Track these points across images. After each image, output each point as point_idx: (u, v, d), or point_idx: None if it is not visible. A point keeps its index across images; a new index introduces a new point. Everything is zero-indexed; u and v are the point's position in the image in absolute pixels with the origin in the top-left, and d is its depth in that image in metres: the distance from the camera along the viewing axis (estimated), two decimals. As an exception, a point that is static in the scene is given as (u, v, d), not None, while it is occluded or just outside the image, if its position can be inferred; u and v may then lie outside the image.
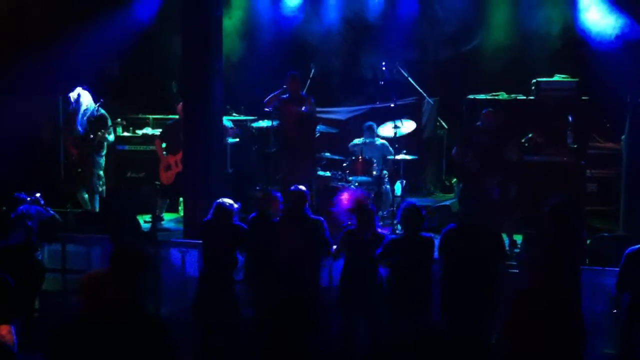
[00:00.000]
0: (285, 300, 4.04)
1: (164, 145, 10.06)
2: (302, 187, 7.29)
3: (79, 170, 9.96)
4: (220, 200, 7.15)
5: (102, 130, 9.86)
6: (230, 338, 7.02)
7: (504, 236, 7.74)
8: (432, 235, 7.09)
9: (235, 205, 7.19)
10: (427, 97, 11.31)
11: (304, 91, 9.92)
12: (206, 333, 7.01)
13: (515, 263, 7.27)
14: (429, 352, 3.78)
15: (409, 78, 10.91)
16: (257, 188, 10.11)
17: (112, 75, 11.82)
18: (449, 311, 6.46)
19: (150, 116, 11.58)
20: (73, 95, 9.94)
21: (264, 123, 10.59)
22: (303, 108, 9.44)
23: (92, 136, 9.86)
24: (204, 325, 7.02)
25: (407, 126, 10.10)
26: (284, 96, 9.57)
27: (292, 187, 7.30)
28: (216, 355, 6.92)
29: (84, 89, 9.99)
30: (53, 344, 4.09)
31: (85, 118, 9.96)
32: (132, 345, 3.90)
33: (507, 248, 7.29)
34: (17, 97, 10.37)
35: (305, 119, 9.40)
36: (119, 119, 10.69)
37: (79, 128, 9.94)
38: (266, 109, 9.80)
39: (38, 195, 7.93)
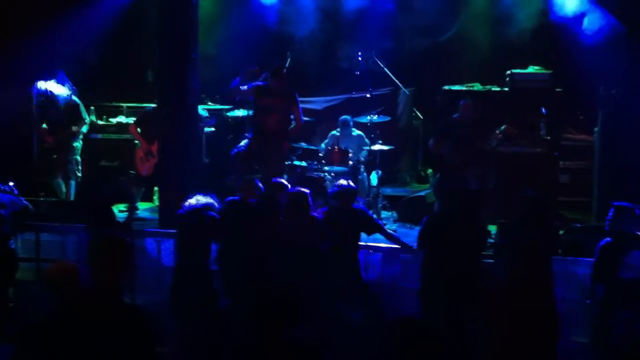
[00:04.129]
0: (271, 294, 4.06)
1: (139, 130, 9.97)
2: (305, 190, 7.14)
3: (54, 156, 9.88)
4: (199, 199, 7.03)
5: (76, 126, 9.82)
6: (209, 329, 6.99)
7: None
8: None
9: (211, 200, 7.09)
10: (402, 88, 11.35)
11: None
12: (184, 324, 6.98)
13: (491, 253, 7.34)
14: (406, 339, 3.80)
15: (385, 68, 10.94)
16: (233, 177, 10.06)
17: (87, 64, 11.70)
18: (429, 300, 6.50)
19: (124, 104, 11.48)
20: (43, 85, 9.85)
21: (240, 112, 10.57)
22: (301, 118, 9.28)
23: (65, 125, 9.79)
24: (181, 316, 6.98)
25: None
26: (263, 83, 9.46)
27: (292, 189, 7.19)
28: (195, 347, 6.89)
29: (58, 78, 9.89)
30: (22, 336, 4.06)
31: (57, 107, 9.87)
32: (112, 337, 3.89)
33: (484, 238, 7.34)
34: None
35: (287, 114, 9.26)
36: (92, 107, 10.60)
37: (53, 116, 9.86)
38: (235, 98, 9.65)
39: (11, 184, 7.86)
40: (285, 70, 9.86)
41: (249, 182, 7.31)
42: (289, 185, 7.26)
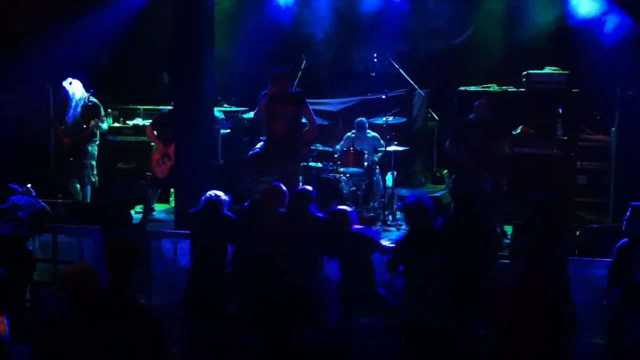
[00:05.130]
0: (277, 297, 4.07)
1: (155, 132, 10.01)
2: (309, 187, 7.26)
3: (71, 159, 9.95)
4: (210, 192, 7.12)
5: (95, 120, 9.85)
6: (221, 330, 7.00)
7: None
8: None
9: (226, 198, 7.14)
10: (418, 89, 11.34)
11: (295, 84, 9.83)
12: (197, 325, 7.00)
13: (506, 253, 7.31)
14: (418, 346, 3.79)
15: (400, 70, 10.93)
16: (248, 180, 10.08)
17: (102, 66, 11.78)
18: (441, 301, 6.46)
19: (141, 107, 11.55)
20: (65, 85, 9.91)
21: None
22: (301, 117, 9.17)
23: (85, 126, 9.85)
24: (194, 317, 7.01)
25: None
26: (266, 91, 9.42)
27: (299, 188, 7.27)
28: (207, 348, 6.91)
29: (74, 79, 9.97)
30: (38, 336, 4.10)
31: (77, 108, 9.93)
32: (124, 338, 3.92)
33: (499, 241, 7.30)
34: (6, 90, 10.33)
35: (295, 118, 9.18)
36: (109, 109, 10.66)
37: (71, 118, 9.92)
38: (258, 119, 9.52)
39: (29, 186, 7.93)
40: (300, 72, 9.82)
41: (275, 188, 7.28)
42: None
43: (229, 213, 7.17)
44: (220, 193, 7.10)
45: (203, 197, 7.09)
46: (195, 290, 7.01)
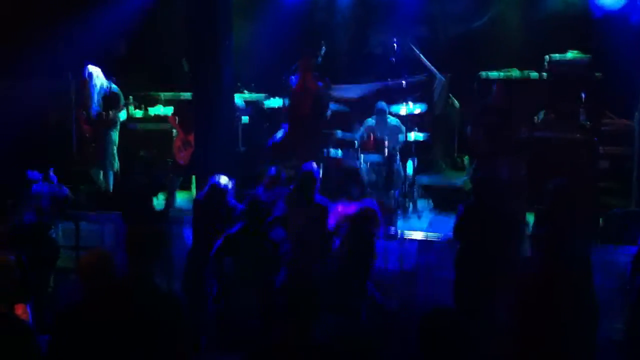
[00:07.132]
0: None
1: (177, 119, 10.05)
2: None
3: (93, 146, 10.01)
4: (214, 178, 7.10)
5: (114, 110, 9.91)
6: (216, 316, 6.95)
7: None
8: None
9: (230, 184, 7.14)
10: (438, 74, 11.26)
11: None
12: (195, 311, 6.99)
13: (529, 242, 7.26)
14: (436, 331, 3.79)
15: (421, 55, 10.85)
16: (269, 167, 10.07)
17: (122, 53, 11.82)
18: (463, 290, 6.44)
19: (162, 94, 11.58)
20: (87, 72, 9.95)
21: (276, 101, 10.58)
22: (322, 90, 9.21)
23: (104, 114, 9.90)
24: (192, 305, 7.00)
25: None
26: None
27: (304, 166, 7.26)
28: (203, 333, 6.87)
29: (94, 66, 10.01)
30: (56, 323, 4.14)
31: (98, 95, 9.98)
32: (144, 325, 3.94)
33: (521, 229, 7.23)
34: (27, 78, 10.40)
35: (320, 99, 9.22)
36: (130, 97, 10.70)
37: (93, 106, 9.97)
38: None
39: (51, 171, 7.96)
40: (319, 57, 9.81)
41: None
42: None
43: (237, 203, 7.13)
44: (224, 179, 7.07)
45: (208, 183, 7.07)
46: (192, 277, 7.00)
